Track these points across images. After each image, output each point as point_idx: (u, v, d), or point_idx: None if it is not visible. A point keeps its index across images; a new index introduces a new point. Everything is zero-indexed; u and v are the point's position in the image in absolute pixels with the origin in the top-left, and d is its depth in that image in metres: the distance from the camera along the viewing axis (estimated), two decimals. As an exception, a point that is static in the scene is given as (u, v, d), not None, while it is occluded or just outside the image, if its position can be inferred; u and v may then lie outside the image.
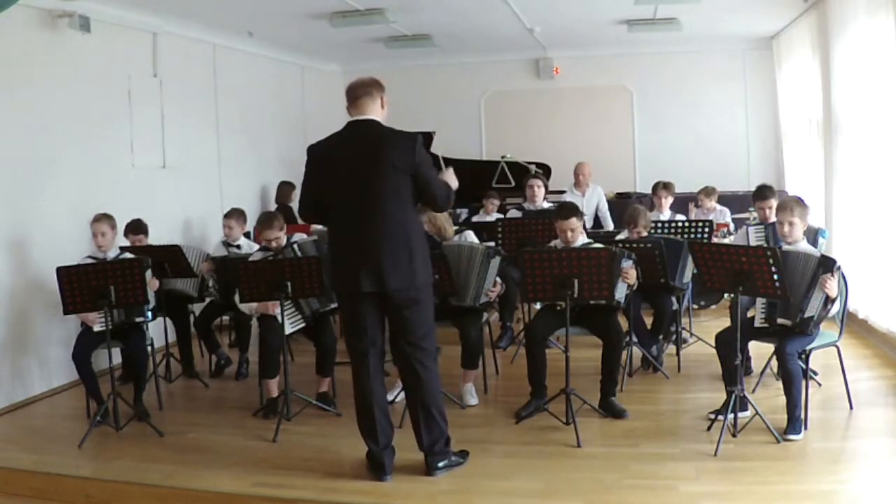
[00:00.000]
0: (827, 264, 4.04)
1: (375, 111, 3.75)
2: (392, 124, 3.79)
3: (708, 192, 7.05)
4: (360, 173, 3.64)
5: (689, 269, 5.26)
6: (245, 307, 4.88)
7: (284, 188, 8.37)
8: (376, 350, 3.82)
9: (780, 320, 4.22)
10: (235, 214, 6.11)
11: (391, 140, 3.68)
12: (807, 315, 4.09)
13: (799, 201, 4.42)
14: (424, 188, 3.72)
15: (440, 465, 3.79)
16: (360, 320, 3.75)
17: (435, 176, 3.78)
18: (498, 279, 4.95)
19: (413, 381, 3.78)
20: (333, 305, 4.90)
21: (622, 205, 7.92)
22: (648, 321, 5.55)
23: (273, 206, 8.33)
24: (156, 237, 5.83)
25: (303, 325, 4.81)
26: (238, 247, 5.98)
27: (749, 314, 4.55)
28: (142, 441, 4.43)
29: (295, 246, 4.91)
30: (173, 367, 5.77)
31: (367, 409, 3.79)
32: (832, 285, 4.00)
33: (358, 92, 3.73)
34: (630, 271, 4.59)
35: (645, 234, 5.42)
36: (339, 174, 3.68)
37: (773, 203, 5.49)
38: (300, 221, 7.35)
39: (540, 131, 9.86)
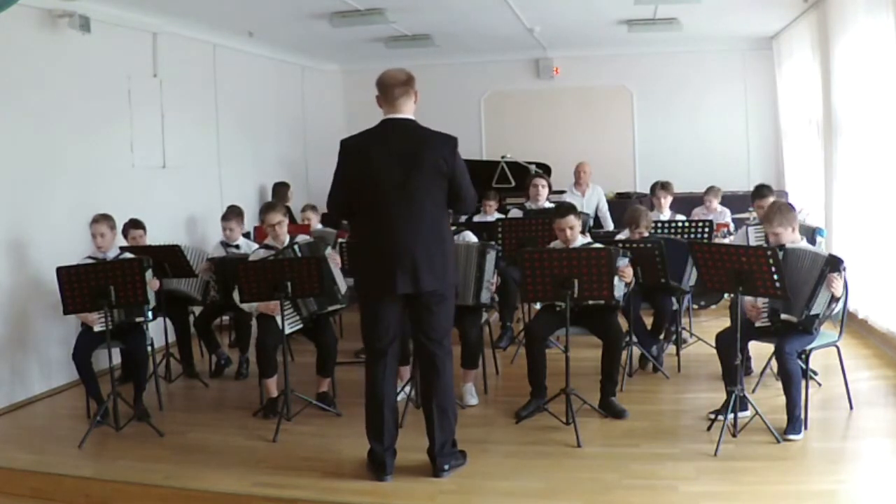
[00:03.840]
0: (834, 263, 4.05)
1: (410, 109, 3.73)
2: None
3: (714, 192, 7.03)
4: (399, 173, 3.62)
5: (695, 272, 5.26)
6: (246, 305, 4.88)
7: (280, 189, 8.35)
8: (394, 350, 3.82)
9: (784, 316, 4.22)
10: (234, 216, 6.11)
11: (431, 141, 3.67)
12: (813, 312, 4.09)
13: (781, 208, 4.36)
14: (457, 191, 3.73)
15: (447, 466, 3.79)
16: (383, 320, 3.73)
17: (467, 180, 3.78)
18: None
19: (432, 378, 3.77)
20: (332, 308, 4.90)
21: (622, 205, 7.91)
22: (648, 321, 5.55)
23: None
24: (156, 237, 5.82)
25: (300, 326, 4.80)
26: (237, 247, 5.98)
27: (749, 314, 4.54)
28: (142, 441, 4.42)
29: (296, 247, 4.91)
30: (173, 367, 5.77)
31: (377, 409, 3.77)
32: (838, 285, 4.02)
33: (396, 92, 3.68)
34: (626, 270, 4.59)
35: (646, 234, 5.43)
36: (377, 172, 3.64)
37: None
38: (299, 221, 7.41)
39: (540, 131, 9.86)
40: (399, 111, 3.70)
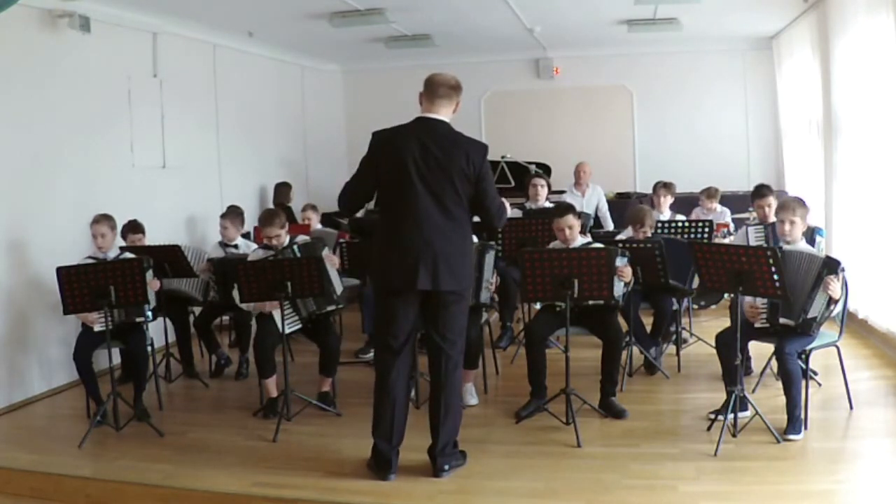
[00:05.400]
0: (831, 266, 4.04)
1: (447, 113, 3.76)
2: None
3: (710, 193, 7.03)
4: (429, 171, 3.64)
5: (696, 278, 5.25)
6: (245, 304, 4.88)
7: (282, 189, 8.38)
8: (409, 349, 3.81)
9: (782, 320, 4.22)
10: (231, 214, 6.10)
11: (464, 145, 3.70)
12: (810, 316, 4.09)
13: (801, 202, 4.42)
14: (482, 199, 3.76)
15: (447, 466, 3.79)
16: (400, 318, 3.74)
17: (494, 190, 3.81)
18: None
19: (443, 377, 3.76)
20: (329, 308, 4.90)
21: (622, 205, 7.91)
22: (648, 321, 5.54)
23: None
24: (156, 237, 5.82)
25: (299, 326, 4.80)
26: (235, 247, 5.98)
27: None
28: (142, 441, 4.43)
29: (295, 247, 4.91)
30: (173, 367, 5.77)
31: (388, 410, 3.76)
32: (836, 287, 4.01)
33: (441, 91, 3.72)
34: (625, 269, 4.59)
35: (650, 234, 5.42)
36: (407, 168, 3.64)
37: (772, 201, 5.49)
38: (300, 221, 7.41)
39: (540, 131, 9.87)
40: (436, 112, 3.73)
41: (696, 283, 5.28)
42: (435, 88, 3.73)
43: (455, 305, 3.75)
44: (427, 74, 3.84)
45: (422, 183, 3.64)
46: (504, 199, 4.00)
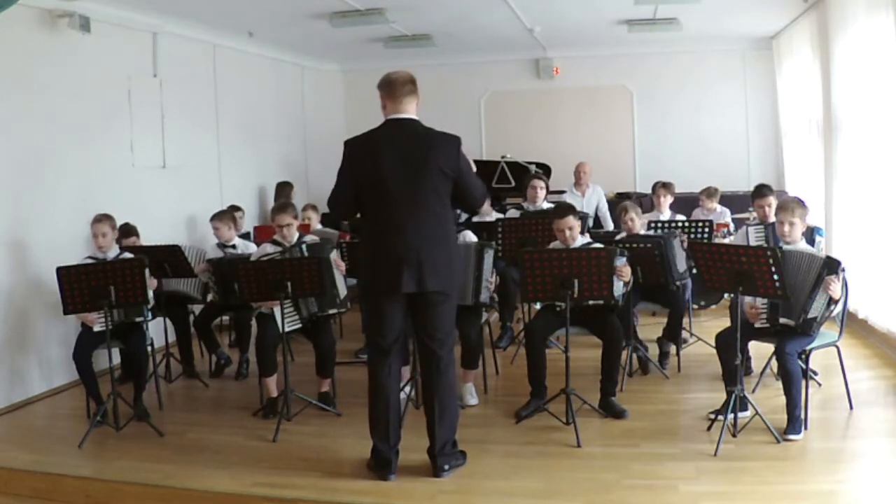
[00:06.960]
0: (832, 266, 4.04)
1: (414, 109, 3.76)
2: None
3: (710, 192, 7.03)
4: (406, 173, 3.63)
5: (682, 259, 5.24)
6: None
7: (284, 188, 8.37)
8: (398, 349, 3.82)
9: (782, 320, 4.22)
10: (220, 215, 6.04)
11: (437, 141, 3.70)
12: (810, 316, 4.09)
13: (800, 202, 4.42)
14: (465, 189, 3.76)
15: (447, 466, 3.79)
16: (388, 319, 3.74)
17: (474, 178, 3.81)
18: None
19: (434, 378, 3.77)
20: (333, 311, 4.89)
21: (622, 205, 7.89)
22: (649, 321, 5.53)
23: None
24: (156, 237, 5.82)
25: (299, 325, 4.81)
26: (234, 247, 5.96)
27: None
28: (142, 441, 4.43)
29: (303, 246, 4.90)
30: (173, 367, 5.77)
31: (382, 410, 3.77)
32: (836, 287, 4.01)
33: (402, 90, 3.71)
34: (624, 269, 4.58)
35: (638, 222, 5.41)
36: (383, 173, 3.64)
37: (772, 201, 5.49)
38: (300, 221, 7.40)
39: (540, 131, 9.86)
40: (404, 111, 3.73)
41: (682, 267, 5.25)
42: (399, 87, 3.72)
43: (442, 305, 3.75)
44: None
45: (400, 185, 3.63)
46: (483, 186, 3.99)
